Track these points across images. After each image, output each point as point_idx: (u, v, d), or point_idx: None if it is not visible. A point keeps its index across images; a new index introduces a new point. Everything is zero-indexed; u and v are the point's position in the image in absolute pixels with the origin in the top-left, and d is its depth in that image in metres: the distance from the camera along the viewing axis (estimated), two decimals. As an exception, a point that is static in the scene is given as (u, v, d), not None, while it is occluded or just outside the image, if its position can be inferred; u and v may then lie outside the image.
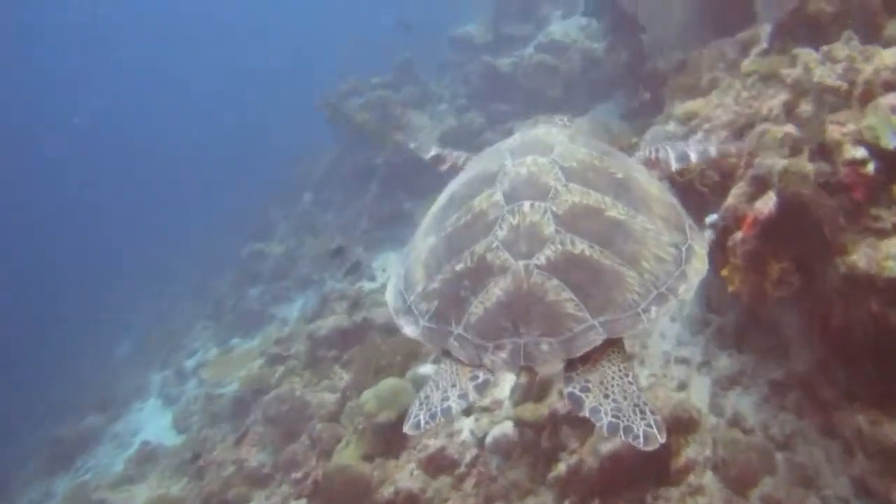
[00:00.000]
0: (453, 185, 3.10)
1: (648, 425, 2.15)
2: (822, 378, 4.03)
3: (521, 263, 2.41)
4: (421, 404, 2.37)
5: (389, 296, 2.89)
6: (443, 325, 2.50)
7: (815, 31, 4.97)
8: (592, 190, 2.65)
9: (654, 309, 2.37)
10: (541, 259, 2.41)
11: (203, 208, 30.11)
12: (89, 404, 16.86)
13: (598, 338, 2.30)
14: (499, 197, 2.64)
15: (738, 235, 4.02)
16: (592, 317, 2.32)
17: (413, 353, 7.90)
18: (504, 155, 2.91)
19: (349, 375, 8.40)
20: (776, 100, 4.47)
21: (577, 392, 2.25)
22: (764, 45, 5.55)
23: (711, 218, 4.51)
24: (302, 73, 33.69)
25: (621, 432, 2.13)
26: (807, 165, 3.65)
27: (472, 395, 2.32)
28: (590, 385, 2.27)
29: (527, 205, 2.56)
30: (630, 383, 2.31)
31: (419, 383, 6.92)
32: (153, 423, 15.00)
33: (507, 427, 5.47)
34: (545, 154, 2.81)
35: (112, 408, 16.41)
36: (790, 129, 4.17)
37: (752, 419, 4.40)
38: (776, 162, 3.97)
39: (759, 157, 4.15)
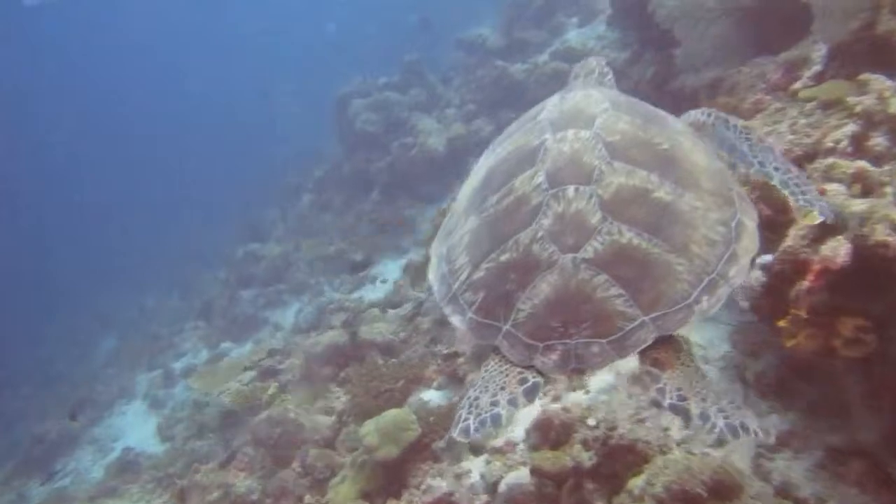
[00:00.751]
0: (491, 160, 3.02)
1: (751, 417, 2.14)
2: (891, 453, 3.58)
3: (569, 258, 2.35)
4: (470, 407, 2.29)
5: (434, 280, 2.81)
6: (491, 319, 2.44)
7: (880, 54, 4.54)
8: (638, 168, 2.57)
9: (705, 299, 2.31)
10: (588, 252, 2.35)
11: (200, 205, 29.46)
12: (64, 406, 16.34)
13: (649, 336, 2.25)
14: (541, 178, 2.57)
15: (804, 285, 3.57)
16: (643, 313, 2.27)
17: (416, 378, 7.44)
18: (544, 127, 2.82)
19: (346, 397, 7.92)
20: (842, 131, 4.02)
21: (676, 402, 2.18)
22: (818, 67, 5.11)
23: (764, 259, 4.07)
24: (313, 69, 33.12)
25: (740, 430, 2.08)
26: (893, 212, 3.21)
27: (522, 401, 2.25)
28: (683, 394, 2.20)
29: (571, 190, 2.49)
30: (705, 379, 2.29)
31: (423, 413, 6.47)
32: (137, 429, 14.51)
33: (524, 475, 4.99)
34: (587, 126, 2.73)
35: (90, 411, 15.86)
36: (863, 165, 3.73)
37: (805, 489, 3.93)
38: (847, 203, 3.53)
39: (823, 193, 3.72)
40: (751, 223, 2.57)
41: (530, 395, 2.26)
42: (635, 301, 2.28)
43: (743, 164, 3.01)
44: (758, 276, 4.15)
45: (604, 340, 2.25)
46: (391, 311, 10.19)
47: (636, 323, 2.26)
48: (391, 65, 18.40)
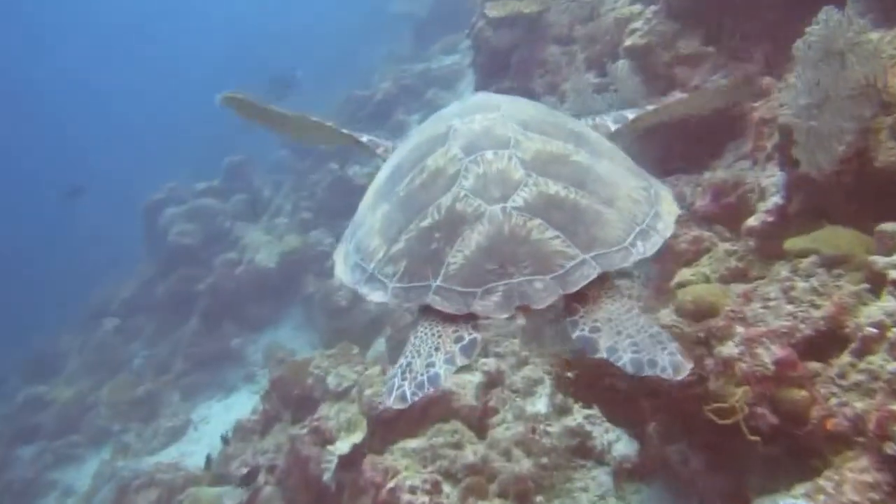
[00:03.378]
0: (396, 158, 3.02)
1: (671, 353, 2.13)
2: None
3: (498, 207, 2.39)
4: (404, 373, 2.24)
5: (343, 273, 2.75)
6: (417, 281, 2.40)
7: (873, 190, 3.57)
8: (552, 138, 2.69)
9: (640, 243, 2.40)
10: (517, 201, 2.40)
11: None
12: None
13: (591, 271, 2.29)
14: (455, 151, 2.62)
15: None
16: (583, 252, 2.31)
17: None
18: (448, 118, 2.89)
19: None
20: (876, 306, 2.89)
21: (587, 333, 2.22)
22: (776, 199, 4.08)
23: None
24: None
25: (646, 366, 2.10)
26: None
27: (460, 359, 2.22)
28: (599, 324, 2.24)
29: (489, 153, 2.56)
30: (638, 316, 2.30)
31: None
32: None
33: None
34: (495, 111, 2.83)
35: None
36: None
37: None
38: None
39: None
40: (666, 193, 2.74)
41: (468, 351, 2.23)
42: (573, 242, 2.33)
43: None
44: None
45: (547, 277, 2.27)
46: (218, 490, 8.08)
47: (577, 260, 2.29)
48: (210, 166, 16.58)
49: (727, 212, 4.73)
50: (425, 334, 2.34)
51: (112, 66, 38.95)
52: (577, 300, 2.30)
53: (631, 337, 2.18)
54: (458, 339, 2.26)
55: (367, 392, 5.73)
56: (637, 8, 5.88)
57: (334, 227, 13.12)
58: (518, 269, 2.28)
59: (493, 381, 5.56)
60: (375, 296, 2.49)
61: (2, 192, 32.30)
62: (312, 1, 30.25)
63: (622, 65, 5.72)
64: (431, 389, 2.15)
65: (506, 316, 2.31)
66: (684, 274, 4.17)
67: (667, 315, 4.05)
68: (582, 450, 4.80)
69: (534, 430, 5.02)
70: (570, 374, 3.89)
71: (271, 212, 14.85)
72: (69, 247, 25.16)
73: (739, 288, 3.61)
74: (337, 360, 7.32)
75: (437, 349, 2.26)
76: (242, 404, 11.79)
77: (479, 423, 5.30)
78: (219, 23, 36.71)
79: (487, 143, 2.59)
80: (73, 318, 17.53)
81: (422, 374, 2.18)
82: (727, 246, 4.18)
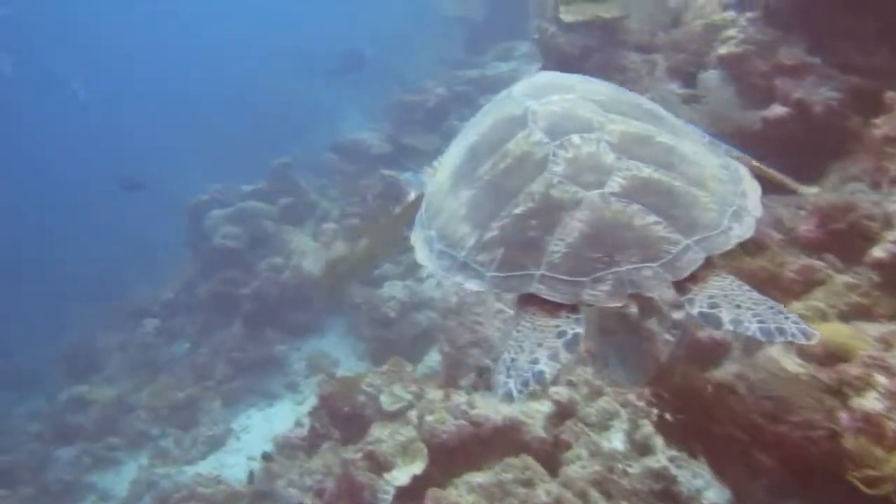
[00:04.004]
0: (469, 139, 2.94)
1: (796, 321, 2.09)
2: None
3: (596, 193, 2.35)
4: (508, 370, 2.18)
5: (428, 261, 2.68)
6: (518, 270, 2.35)
7: None
8: (632, 119, 2.64)
9: (736, 226, 2.37)
10: (613, 186, 2.36)
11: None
12: None
13: (698, 256, 2.27)
14: (539, 136, 2.57)
15: None
16: (685, 237, 2.29)
17: None
18: (521, 99, 2.82)
19: None
20: None
21: (707, 310, 2.17)
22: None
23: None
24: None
25: (775, 333, 2.05)
26: None
27: (563, 354, 2.16)
28: (716, 300, 2.19)
29: (576, 137, 2.51)
30: (750, 290, 2.24)
31: None
32: None
33: None
34: (569, 92, 2.78)
35: None
36: None
37: None
38: None
39: None
40: (743, 167, 2.73)
41: (570, 346, 2.19)
42: (674, 227, 2.30)
43: None
44: None
45: (655, 264, 2.24)
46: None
47: (682, 245, 2.28)
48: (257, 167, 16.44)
49: (836, 240, 4.33)
50: (526, 329, 2.29)
51: (159, 66, 39.36)
52: (687, 281, 2.28)
53: (751, 309, 2.13)
54: (561, 335, 2.21)
55: (429, 418, 5.42)
56: (730, 14, 5.48)
57: (383, 234, 12.87)
58: (625, 257, 2.25)
59: (564, 412, 5.21)
60: (472, 284, 2.44)
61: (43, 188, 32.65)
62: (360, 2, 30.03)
63: (713, 75, 5.34)
64: (537, 386, 2.12)
65: (618, 304, 2.28)
66: (796, 308, 3.76)
67: (781, 353, 3.68)
68: (667, 495, 4.42)
69: (612, 470, 4.66)
70: (671, 417, 3.54)
71: (318, 216, 14.63)
72: (111, 244, 25.28)
73: (873, 329, 3.21)
74: (390, 378, 7.02)
75: (539, 345, 2.20)
76: (284, 415, 11.56)
77: (551, 457, 4.95)
78: (266, 20, 36.79)
79: (572, 127, 2.55)
80: (112, 316, 17.48)
81: (526, 371, 2.13)
82: (846, 279, 3.77)
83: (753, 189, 2.56)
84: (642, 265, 2.23)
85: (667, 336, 5.29)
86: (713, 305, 2.16)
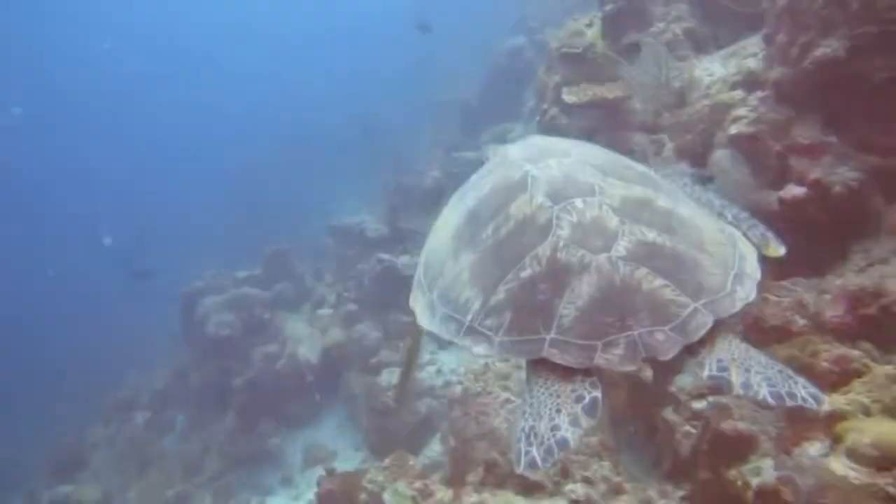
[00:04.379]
0: (466, 203, 2.93)
1: (805, 385, 2.11)
2: None
3: (604, 256, 2.36)
4: (528, 438, 2.13)
5: (432, 326, 2.64)
6: (528, 334, 2.31)
7: None
8: (631, 183, 2.68)
9: (738, 289, 2.38)
10: (620, 250, 2.37)
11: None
12: None
13: (707, 319, 2.26)
14: (542, 199, 2.58)
15: None
16: (693, 300, 2.29)
17: None
18: (519, 164, 2.85)
19: None
20: None
21: (716, 373, 2.19)
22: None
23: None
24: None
25: (786, 398, 2.07)
26: None
27: (585, 420, 2.12)
28: (725, 363, 2.21)
29: (579, 201, 2.53)
30: (759, 354, 2.27)
31: None
32: None
33: None
34: (566, 156, 2.82)
35: None
36: None
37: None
38: None
39: None
40: (737, 231, 2.75)
41: (591, 411, 2.15)
42: (681, 290, 2.30)
43: None
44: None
45: (666, 328, 2.23)
46: None
47: (691, 308, 2.27)
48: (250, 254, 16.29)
49: (868, 326, 4.13)
50: (542, 395, 2.26)
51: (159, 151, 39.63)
52: (696, 345, 2.28)
53: (760, 373, 2.16)
54: (579, 399, 2.18)
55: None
56: (739, 94, 5.42)
57: (382, 319, 12.60)
58: (637, 321, 2.25)
59: (583, 513, 4.88)
60: (480, 349, 2.41)
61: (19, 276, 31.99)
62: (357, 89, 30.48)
63: (724, 155, 5.23)
64: (562, 454, 2.07)
65: (631, 369, 2.26)
66: (837, 402, 3.51)
67: (820, 450, 3.43)
68: None
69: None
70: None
71: (314, 302, 14.39)
72: (101, 333, 24.73)
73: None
74: (393, 474, 6.67)
75: (558, 411, 2.17)
76: (280, 510, 11.09)
77: (571, 564, 4.60)
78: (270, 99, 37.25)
79: (573, 191, 2.57)
80: (102, 407, 16.95)
81: (549, 439, 2.09)
82: (888, 369, 3.53)
83: (750, 252, 2.58)
84: (654, 328, 2.22)
85: (687, 427, 5.01)
86: (722, 368, 2.18)
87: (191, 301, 14.52)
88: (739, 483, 3.76)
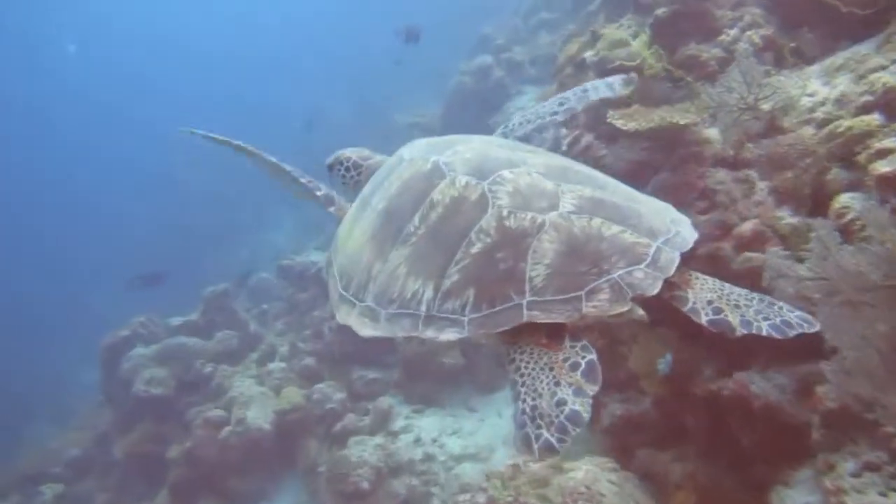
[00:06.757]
0: (376, 207, 2.89)
1: (791, 310, 2.27)
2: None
3: (554, 213, 2.39)
4: (534, 419, 2.03)
5: (379, 330, 2.53)
6: (500, 304, 2.27)
7: None
8: (543, 154, 2.84)
9: (681, 230, 2.49)
10: (568, 206, 2.42)
11: None
12: None
13: (674, 255, 2.33)
14: (465, 179, 2.59)
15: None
16: (652, 240, 2.36)
17: None
18: (424, 157, 2.84)
19: None
20: None
21: (714, 317, 2.28)
22: None
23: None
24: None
25: (786, 329, 2.20)
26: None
27: (588, 387, 2.07)
28: (716, 304, 2.31)
29: (506, 172, 2.57)
30: (732, 287, 2.40)
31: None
32: None
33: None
34: (468, 143, 2.86)
35: None
36: None
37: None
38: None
39: None
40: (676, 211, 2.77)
41: (591, 376, 2.11)
42: (638, 232, 2.38)
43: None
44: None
45: (641, 265, 2.27)
46: None
47: (655, 247, 2.34)
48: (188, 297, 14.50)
49: None
50: (532, 370, 2.19)
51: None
52: (675, 288, 2.38)
53: (750, 307, 2.29)
54: (575, 366, 2.14)
55: None
56: (876, 118, 4.18)
57: (345, 376, 11.04)
58: (611, 265, 2.27)
59: None
60: (448, 335, 2.33)
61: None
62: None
63: (868, 202, 3.95)
64: (577, 430, 1.96)
65: (624, 309, 2.20)
66: None
67: None
68: None
69: None
70: None
71: (263, 353, 12.69)
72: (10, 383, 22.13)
73: None
74: None
75: (557, 384, 2.10)
76: None
77: None
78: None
79: (495, 166, 2.62)
80: (3, 479, 14.71)
81: (557, 416, 2.00)
82: None
83: (685, 222, 2.60)
84: (631, 268, 2.26)
85: None
86: (717, 311, 2.29)
87: (114, 354, 12.67)
88: None
